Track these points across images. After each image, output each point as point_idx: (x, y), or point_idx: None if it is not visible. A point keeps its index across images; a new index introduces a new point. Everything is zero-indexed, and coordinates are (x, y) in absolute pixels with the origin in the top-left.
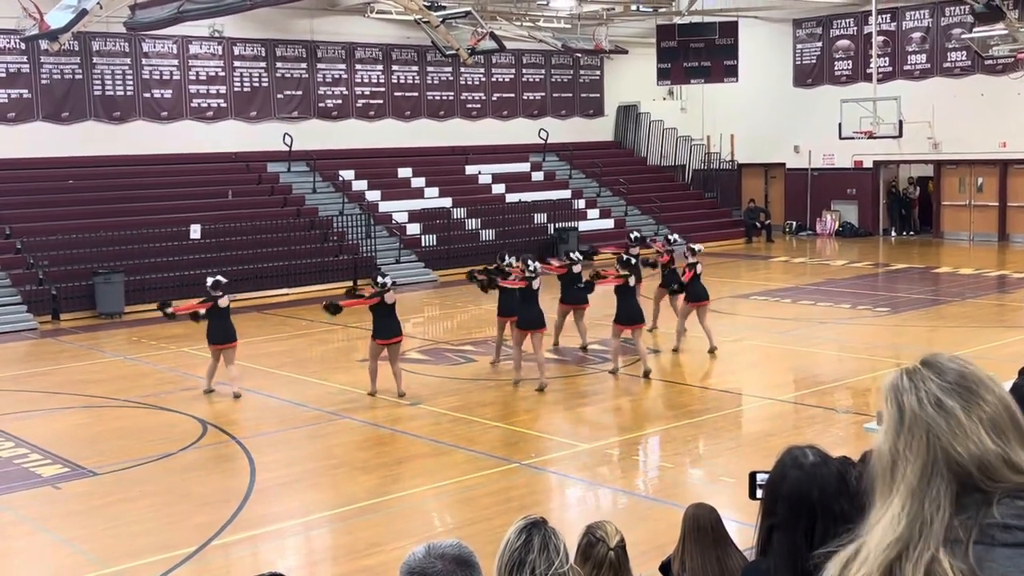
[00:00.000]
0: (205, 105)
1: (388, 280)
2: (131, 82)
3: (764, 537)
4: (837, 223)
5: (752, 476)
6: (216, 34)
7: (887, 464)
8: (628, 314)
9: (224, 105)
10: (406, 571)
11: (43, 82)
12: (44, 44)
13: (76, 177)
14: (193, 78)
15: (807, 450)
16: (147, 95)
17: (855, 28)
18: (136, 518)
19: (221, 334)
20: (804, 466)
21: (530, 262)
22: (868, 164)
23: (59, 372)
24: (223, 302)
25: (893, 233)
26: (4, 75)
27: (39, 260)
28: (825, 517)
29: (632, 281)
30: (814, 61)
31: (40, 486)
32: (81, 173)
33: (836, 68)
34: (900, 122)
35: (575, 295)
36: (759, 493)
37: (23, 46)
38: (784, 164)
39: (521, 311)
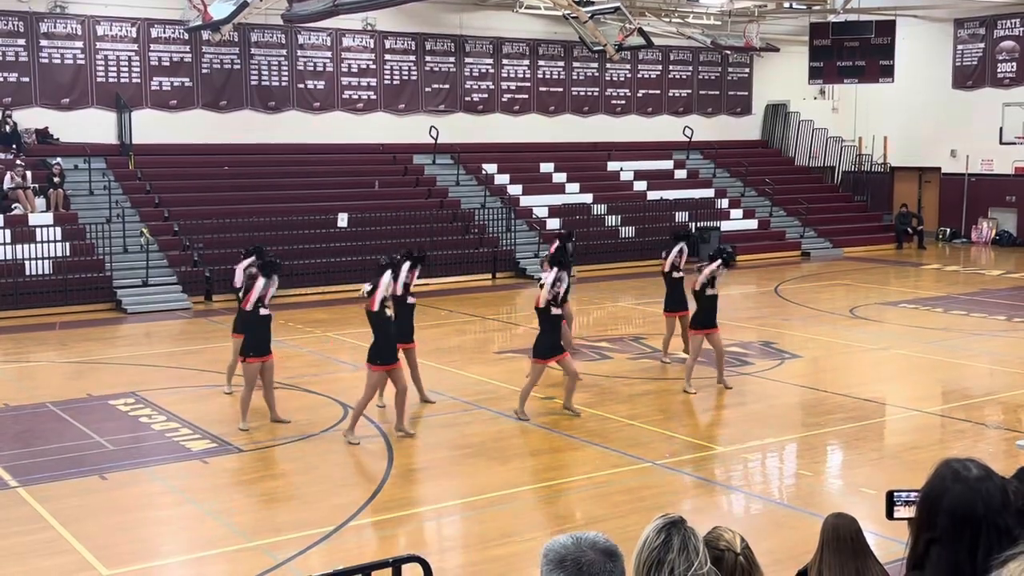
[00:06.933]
0: (356, 97)
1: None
2: (286, 73)
3: (921, 551)
4: (994, 231)
5: (890, 496)
6: (369, 27)
7: None
8: (552, 344)
9: (374, 97)
10: (556, 558)
11: (203, 71)
12: (206, 35)
13: (231, 164)
14: (345, 70)
15: (968, 463)
16: (301, 86)
17: (1021, 29)
18: (278, 495)
19: None
20: (968, 480)
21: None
22: None
23: (209, 351)
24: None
25: None
26: (168, 64)
27: (195, 243)
28: (990, 532)
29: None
30: (975, 63)
31: (189, 459)
32: (236, 160)
33: (999, 70)
34: None
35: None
36: (896, 513)
37: (186, 36)
38: (939, 168)
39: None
